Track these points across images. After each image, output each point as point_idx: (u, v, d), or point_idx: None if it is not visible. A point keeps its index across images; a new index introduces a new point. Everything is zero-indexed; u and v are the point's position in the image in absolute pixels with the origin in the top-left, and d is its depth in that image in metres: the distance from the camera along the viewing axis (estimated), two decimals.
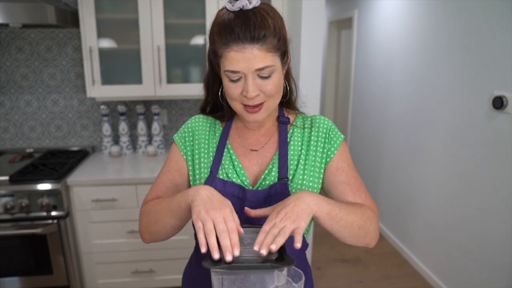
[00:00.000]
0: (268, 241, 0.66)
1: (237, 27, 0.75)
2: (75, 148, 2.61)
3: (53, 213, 2.07)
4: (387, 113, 3.12)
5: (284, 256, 0.65)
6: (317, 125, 0.93)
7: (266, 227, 0.69)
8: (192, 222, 0.75)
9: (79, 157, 2.42)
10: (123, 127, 2.52)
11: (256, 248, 0.66)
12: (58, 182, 2.05)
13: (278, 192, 0.86)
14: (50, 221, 2.08)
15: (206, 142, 0.94)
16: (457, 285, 2.34)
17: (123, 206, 2.15)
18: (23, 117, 2.55)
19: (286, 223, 0.68)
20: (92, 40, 2.16)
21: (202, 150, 0.94)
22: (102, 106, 2.50)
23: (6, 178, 2.04)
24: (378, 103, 3.28)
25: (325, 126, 0.93)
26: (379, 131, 3.28)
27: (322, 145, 0.91)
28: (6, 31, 2.40)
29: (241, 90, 0.80)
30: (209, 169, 0.92)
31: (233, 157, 0.92)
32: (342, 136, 0.93)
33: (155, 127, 2.53)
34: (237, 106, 0.85)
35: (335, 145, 0.91)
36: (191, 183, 0.96)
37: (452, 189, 2.34)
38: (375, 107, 3.33)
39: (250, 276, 0.63)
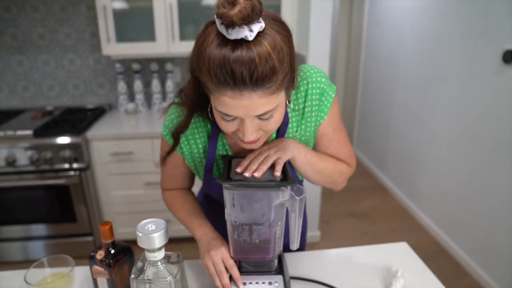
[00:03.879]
0: (252, 167, 0.73)
1: (236, 70, 0.59)
2: (92, 106, 2.71)
3: (75, 165, 2.20)
4: (397, 70, 3.12)
5: (287, 177, 0.73)
6: (311, 91, 0.84)
7: (251, 155, 0.76)
8: None
9: (96, 114, 2.52)
10: (138, 85, 2.60)
11: (238, 170, 0.74)
12: (78, 136, 2.17)
13: None
14: (72, 173, 2.21)
15: (196, 138, 0.89)
16: (458, 237, 2.43)
17: (140, 159, 2.26)
18: (42, 77, 2.64)
19: (269, 152, 0.76)
20: None
21: (194, 147, 0.90)
22: (117, 65, 2.57)
23: (30, 132, 2.16)
24: (388, 60, 3.27)
25: (318, 90, 0.84)
26: (389, 88, 3.29)
27: (315, 113, 0.86)
28: None
29: (236, 127, 0.70)
30: (202, 169, 0.92)
31: (230, 152, 0.90)
32: (332, 96, 0.86)
33: (169, 84, 2.60)
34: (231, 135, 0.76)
35: (326, 110, 0.86)
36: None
37: (459, 145, 2.38)
38: (386, 65, 3.32)
39: (258, 192, 0.72)
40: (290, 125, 0.87)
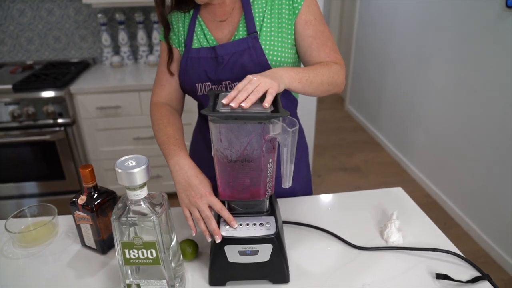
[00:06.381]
0: (240, 97, 0.66)
1: None
2: (75, 60, 2.58)
3: (60, 121, 2.12)
4: (393, 19, 3.00)
5: (279, 109, 0.67)
6: None
7: (240, 85, 0.69)
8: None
9: (80, 67, 2.41)
10: (122, 36, 2.47)
11: (224, 101, 0.67)
12: (61, 89, 2.07)
13: (250, 46, 0.89)
14: (57, 128, 2.13)
15: (180, 22, 0.97)
16: (448, 189, 2.45)
17: (127, 113, 2.19)
18: (18, 28, 2.49)
19: (260, 82, 0.69)
20: None
21: (177, 29, 0.97)
22: (99, 15, 2.42)
23: (9, 86, 2.06)
24: (385, 9, 3.14)
25: None
26: (384, 39, 3.18)
27: (288, 2, 0.91)
28: None
29: None
30: (184, 43, 0.96)
31: (206, 31, 0.94)
32: None
33: (155, 36, 2.47)
34: None
35: (299, 1, 0.91)
36: None
37: (455, 97, 2.33)
38: (382, 15, 3.20)
39: (246, 125, 0.66)
40: (256, 15, 0.90)
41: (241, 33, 0.91)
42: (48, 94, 2.06)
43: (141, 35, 2.47)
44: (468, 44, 2.18)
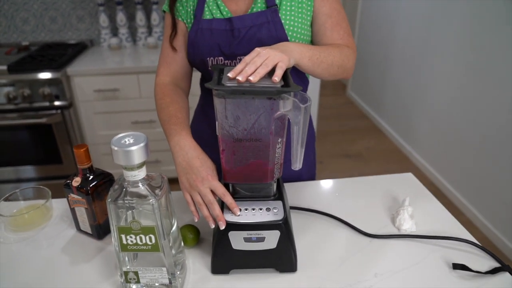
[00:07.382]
0: (248, 70, 0.61)
1: None
2: (72, 42, 2.51)
3: (56, 103, 2.06)
4: (399, 4, 2.92)
5: (290, 83, 0.62)
6: None
7: (247, 58, 0.64)
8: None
9: (77, 49, 2.33)
10: (121, 18, 2.39)
11: (230, 75, 0.61)
12: (58, 71, 2.00)
13: (270, 20, 0.83)
14: (54, 111, 2.07)
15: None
16: (452, 177, 2.40)
17: (126, 96, 2.12)
18: (13, 8, 2.41)
19: (270, 54, 0.63)
20: None
21: (190, 4, 0.90)
22: None
23: (4, 67, 1.99)
24: None
25: None
26: (388, 25, 3.10)
27: None
28: None
29: None
30: (193, 14, 0.89)
31: (219, 2, 0.87)
32: None
33: (155, 17, 2.39)
34: None
35: None
36: None
37: (460, 85, 2.27)
38: (387, 0, 3.12)
39: (255, 101, 0.60)
40: None
41: (259, 5, 0.85)
42: (44, 75, 1.99)
43: (139, 16, 2.40)
44: (476, 30, 2.11)
